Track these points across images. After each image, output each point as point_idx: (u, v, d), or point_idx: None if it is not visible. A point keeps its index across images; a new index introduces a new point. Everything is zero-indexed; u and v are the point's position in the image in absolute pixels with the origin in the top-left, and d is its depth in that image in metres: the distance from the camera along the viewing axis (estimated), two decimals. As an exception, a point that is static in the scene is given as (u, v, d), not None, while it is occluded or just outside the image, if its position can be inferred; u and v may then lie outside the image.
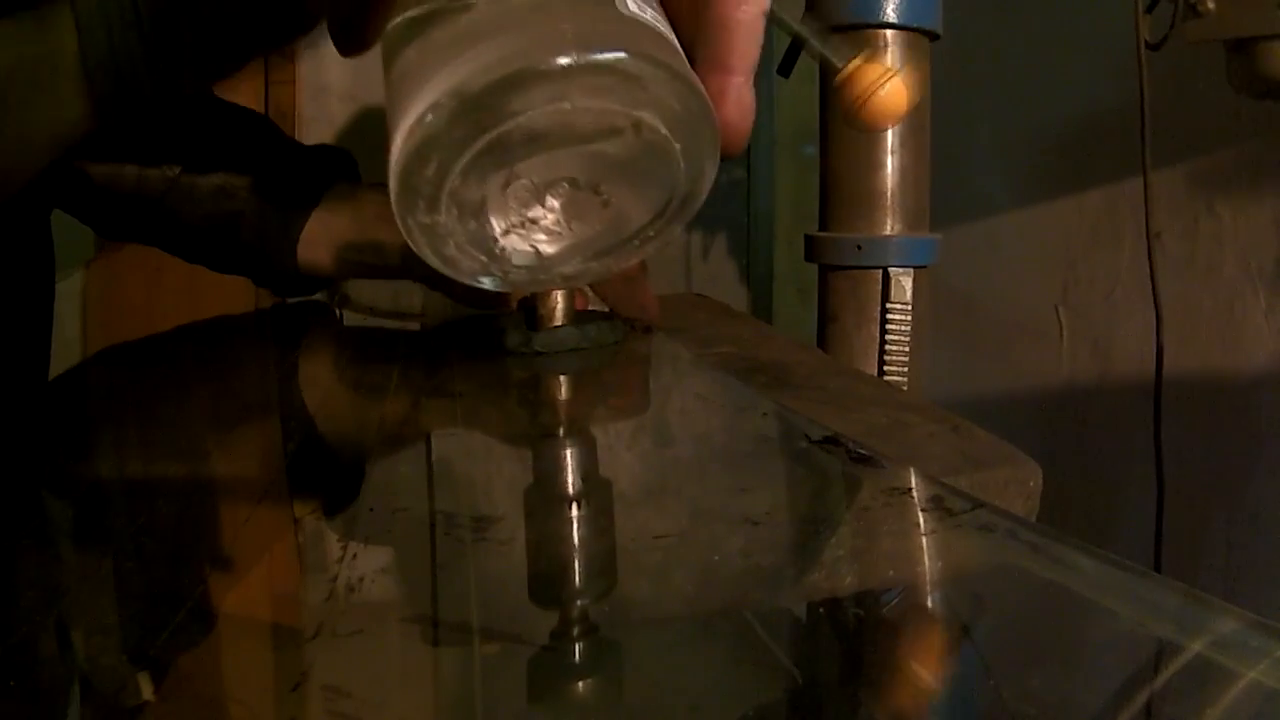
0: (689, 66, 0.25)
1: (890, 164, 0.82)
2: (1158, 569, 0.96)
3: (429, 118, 0.22)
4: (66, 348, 0.60)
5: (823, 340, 0.87)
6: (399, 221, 0.24)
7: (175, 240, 0.63)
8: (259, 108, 1.26)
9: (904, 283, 0.82)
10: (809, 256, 0.88)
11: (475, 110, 0.22)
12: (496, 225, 0.25)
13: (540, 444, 0.38)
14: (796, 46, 0.87)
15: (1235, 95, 0.77)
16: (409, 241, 0.24)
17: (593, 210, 0.25)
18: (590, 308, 0.56)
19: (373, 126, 1.41)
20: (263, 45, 0.39)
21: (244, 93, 1.31)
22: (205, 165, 0.60)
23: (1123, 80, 0.90)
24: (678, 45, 0.25)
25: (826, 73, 0.36)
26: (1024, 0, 1.23)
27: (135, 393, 0.52)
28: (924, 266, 0.84)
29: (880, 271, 0.82)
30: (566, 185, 0.25)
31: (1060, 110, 1.19)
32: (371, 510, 0.30)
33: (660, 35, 0.24)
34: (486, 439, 0.40)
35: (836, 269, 0.85)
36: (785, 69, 0.88)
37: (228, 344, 0.67)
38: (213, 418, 0.45)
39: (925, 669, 0.22)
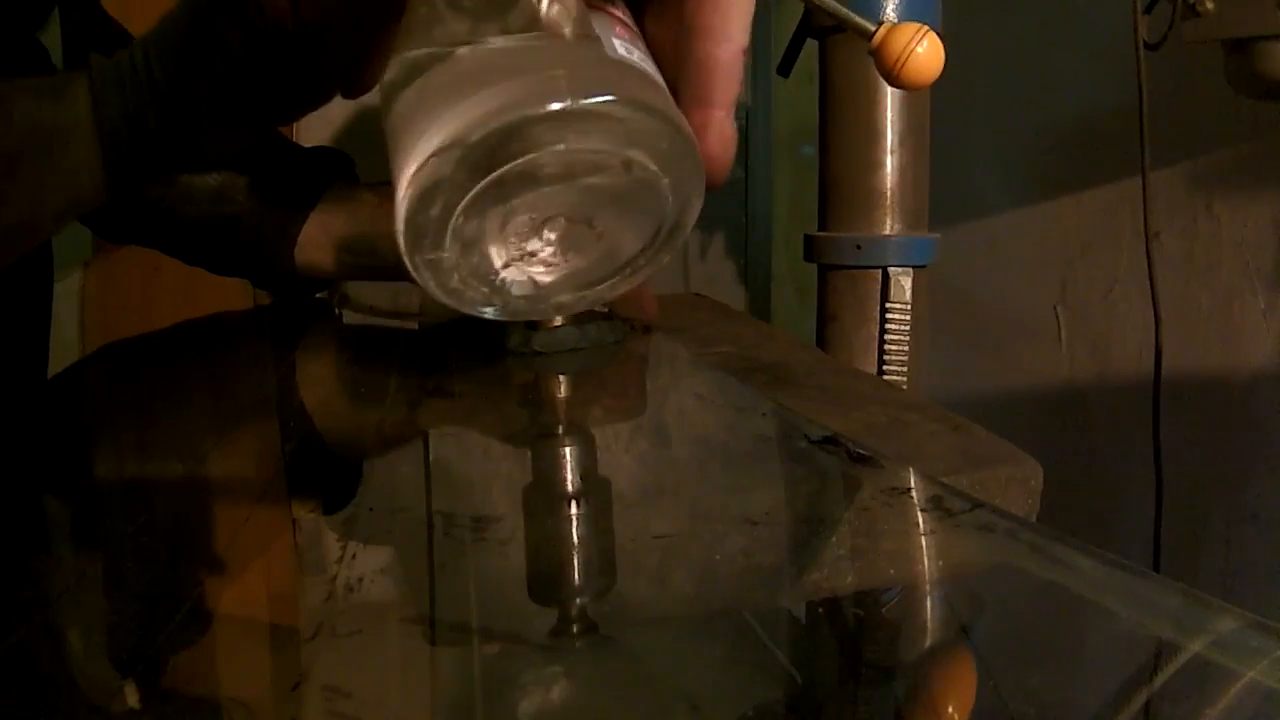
0: (674, 104, 0.26)
1: (889, 164, 0.82)
2: (1156, 569, 0.96)
3: (433, 163, 0.23)
4: (65, 347, 0.60)
5: (822, 340, 0.87)
6: (406, 260, 0.25)
7: (173, 242, 0.63)
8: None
9: (903, 282, 0.82)
10: (808, 256, 0.88)
11: (476, 155, 0.23)
12: (497, 259, 0.26)
13: (539, 444, 0.38)
14: (796, 47, 0.87)
15: (1234, 95, 0.77)
16: (415, 278, 0.26)
17: (587, 242, 0.27)
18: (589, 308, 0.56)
19: (370, 128, 1.41)
20: (276, 117, 0.40)
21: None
22: (203, 168, 0.60)
23: (1121, 80, 0.90)
24: (662, 83, 0.27)
25: (855, 41, 0.37)
26: (1024, 0, 1.23)
27: (134, 392, 0.52)
28: (923, 266, 0.84)
29: (879, 271, 0.82)
30: (562, 220, 0.26)
31: (1059, 110, 1.19)
32: (371, 510, 0.30)
33: (646, 76, 0.26)
34: (486, 439, 0.40)
35: (836, 268, 0.85)
36: (784, 69, 0.88)
37: (227, 343, 0.67)
38: (212, 417, 0.45)
39: (925, 669, 0.22)
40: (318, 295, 0.71)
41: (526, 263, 0.27)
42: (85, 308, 0.83)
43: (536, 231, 0.26)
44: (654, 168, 0.25)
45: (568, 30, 0.25)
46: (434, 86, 0.24)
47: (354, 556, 0.26)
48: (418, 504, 0.32)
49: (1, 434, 0.40)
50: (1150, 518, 0.94)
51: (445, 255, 0.25)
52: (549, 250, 0.27)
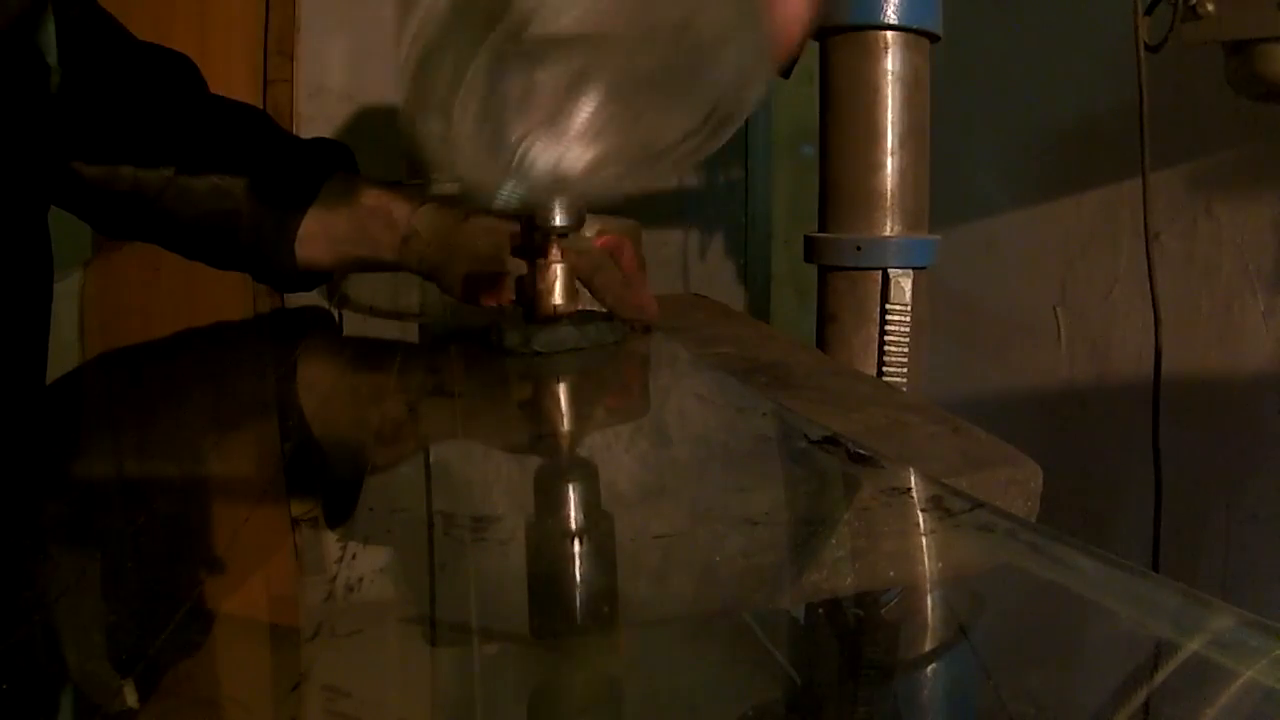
0: None
1: (890, 165, 0.82)
2: (1156, 569, 0.96)
3: (439, 7, 0.20)
4: (64, 348, 0.60)
5: (822, 341, 0.87)
6: (411, 123, 0.22)
7: (173, 237, 0.63)
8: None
9: (903, 283, 0.82)
10: (808, 257, 0.88)
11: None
12: (516, 129, 0.23)
13: (539, 444, 0.38)
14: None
15: (1234, 97, 0.77)
16: (420, 151, 0.22)
17: (623, 121, 0.23)
18: (589, 308, 0.56)
19: (371, 126, 1.41)
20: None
21: (242, 91, 1.31)
22: (202, 162, 0.60)
23: (1122, 82, 0.90)
24: None
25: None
26: (1024, 2, 1.23)
27: (134, 394, 0.52)
28: (923, 267, 0.84)
29: (879, 272, 0.82)
30: (594, 91, 0.23)
31: (1059, 112, 1.19)
32: (371, 510, 0.30)
33: None
34: (485, 439, 0.40)
35: (836, 269, 0.85)
36: (785, 70, 0.88)
37: (226, 347, 0.67)
38: (212, 419, 0.45)
39: (925, 669, 0.22)
40: (314, 293, 0.71)
41: (551, 138, 0.24)
42: (85, 308, 0.83)
43: (564, 102, 0.23)
44: (714, 34, 0.21)
45: None
46: None
47: (354, 556, 0.26)
48: (418, 504, 0.32)
49: (1, 434, 0.40)
50: (1150, 518, 0.94)
51: (455, 128, 0.22)
52: (577, 125, 0.23)
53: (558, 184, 0.25)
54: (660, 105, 0.24)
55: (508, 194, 0.25)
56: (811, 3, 0.26)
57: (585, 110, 0.23)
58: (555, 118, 0.23)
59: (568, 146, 0.24)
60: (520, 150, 0.24)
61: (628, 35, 0.21)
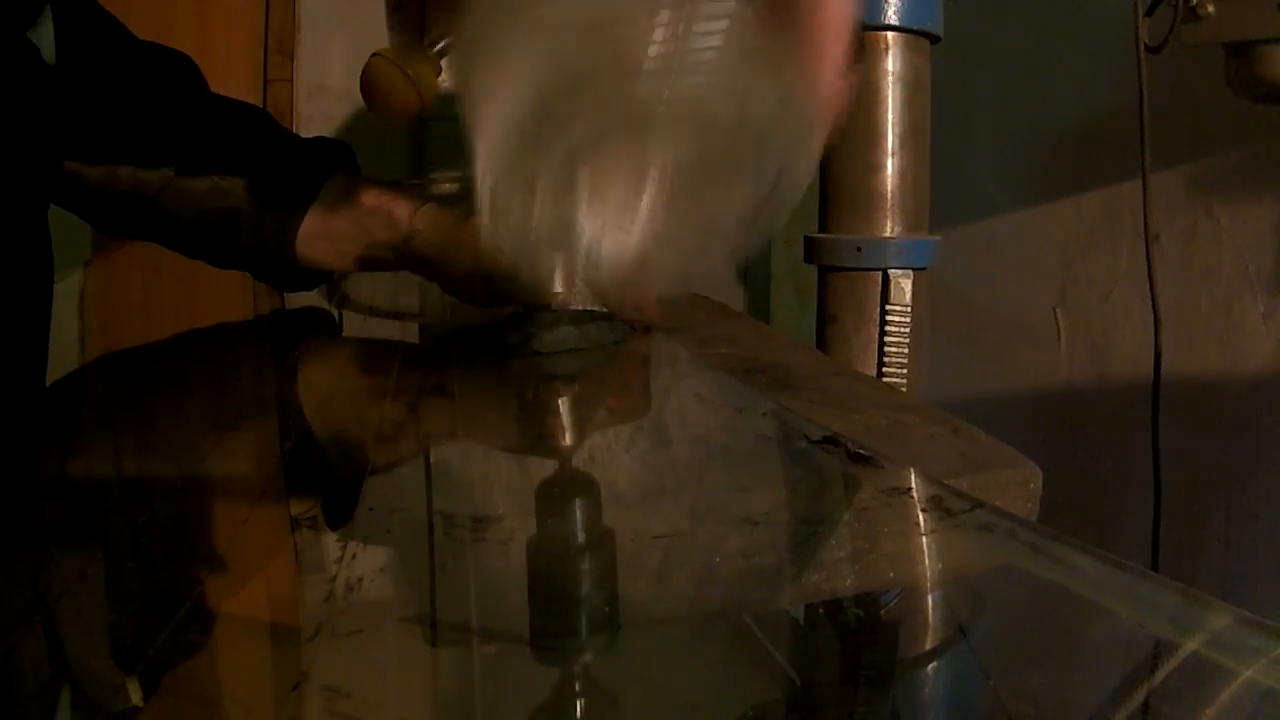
0: (781, 56, 0.24)
1: (890, 166, 0.82)
2: (1156, 569, 0.96)
3: (513, 105, 0.21)
4: (64, 348, 0.60)
5: (821, 341, 0.87)
6: (486, 221, 0.23)
7: (173, 237, 0.63)
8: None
9: (903, 284, 0.82)
10: (808, 258, 0.88)
11: (567, 95, 0.21)
12: (584, 211, 0.24)
13: (539, 444, 0.38)
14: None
15: (1234, 98, 0.77)
16: (494, 241, 0.23)
17: (686, 210, 0.25)
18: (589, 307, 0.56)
19: (371, 126, 1.41)
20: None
21: (242, 91, 1.31)
22: (202, 161, 0.60)
23: (1122, 83, 0.90)
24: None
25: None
26: (1024, 3, 1.23)
27: (134, 395, 0.52)
28: (923, 268, 0.84)
29: (879, 273, 0.82)
30: (658, 175, 0.24)
31: (1059, 113, 1.19)
32: (371, 510, 0.30)
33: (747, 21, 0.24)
34: (485, 439, 0.40)
35: (836, 270, 0.85)
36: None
37: (226, 348, 0.67)
38: (212, 419, 0.45)
39: (925, 669, 0.22)
40: (314, 293, 0.71)
41: (614, 218, 0.25)
42: (85, 308, 0.83)
43: (629, 196, 0.24)
44: (762, 122, 0.23)
45: None
46: (521, 19, 0.22)
47: (354, 556, 0.26)
48: (418, 504, 0.32)
49: (2, 434, 0.40)
50: (1149, 519, 0.94)
51: (531, 214, 0.23)
52: (644, 209, 0.24)
53: (629, 274, 0.26)
54: (720, 192, 0.25)
55: (582, 289, 0.25)
56: (850, 78, 0.27)
57: (649, 203, 0.24)
58: (622, 212, 0.24)
59: (635, 237, 0.25)
60: (590, 246, 0.25)
61: (685, 130, 0.23)
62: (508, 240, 0.24)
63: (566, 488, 0.33)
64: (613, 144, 0.22)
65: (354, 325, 0.71)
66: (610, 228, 0.25)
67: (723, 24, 0.23)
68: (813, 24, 0.26)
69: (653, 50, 0.21)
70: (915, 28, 0.80)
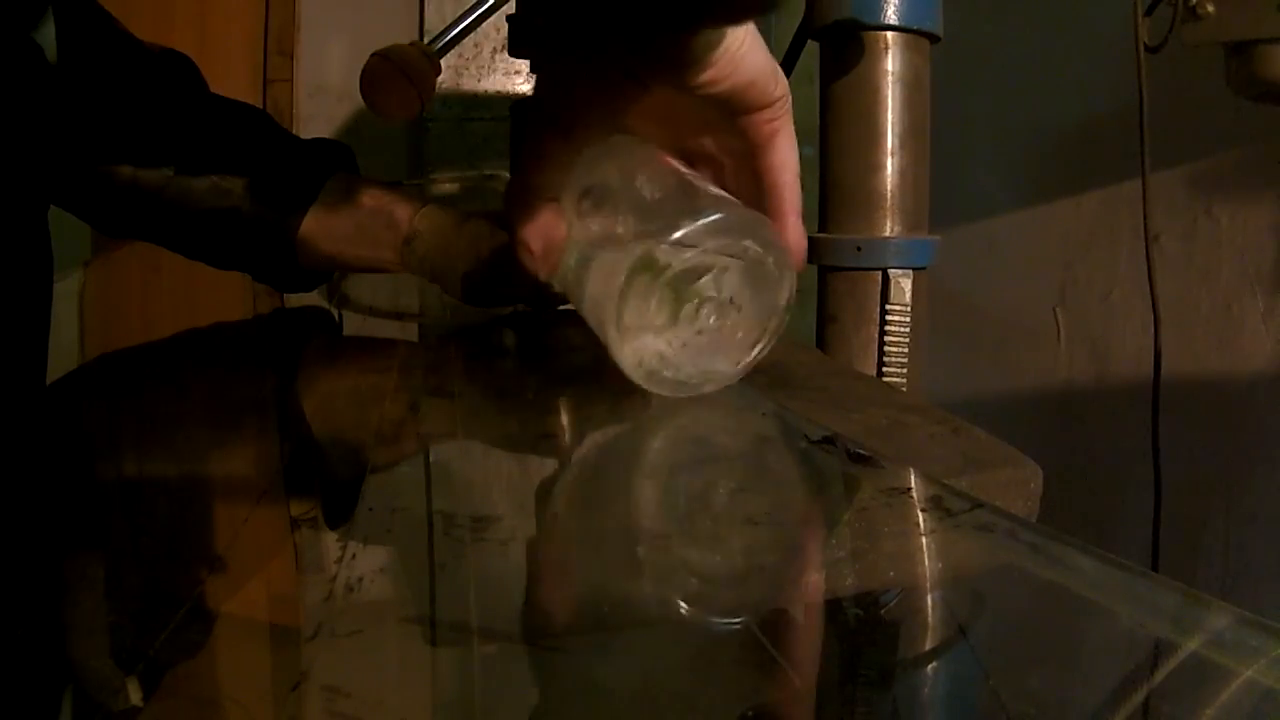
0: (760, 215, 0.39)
1: (890, 166, 0.82)
2: (1156, 569, 0.96)
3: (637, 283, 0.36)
4: (64, 348, 0.60)
5: (821, 341, 0.87)
6: (619, 346, 0.38)
7: (174, 237, 0.63)
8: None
9: (903, 284, 0.82)
10: (808, 258, 0.88)
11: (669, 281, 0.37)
12: (672, 343, 0.38)
13: (539, 444, 0.38)
14: (796, 48, 0.87)
15: (1234, 98, 0.77)
16: (619, 356, 0.38)
17: (729, 314, 0.39)
18: None
19: (371, 126, 1.41)
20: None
21: (242, 91, 1.31)
22: (202, 161, 0.60)
23: (1122, 82, 0.90)
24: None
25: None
26: (1024, 2, 1.23)
27: (133, 393, 0.52)
28: (923, 268, 0.84)
29: (879, 273, 0.82)
30: (713, 301, 0.38)
31: (1059, 112, 1.19)
32: (371, 510, 0.30)
33: (736, 203, 0.39)
34: (485, 439, 0.40)
35: (835, 270, 0.85)
36: (785, 70, 0.88)
37: (226, 348, 0.67)
38: (212, 419, 0.45)
39: (924, 669, 0.22)
40: (314, 293, 0.71)
41: (693, 342, 0.38)
42: (85, 308, 0.83)
43: (701, 317, 0.38)
44: (761, 250, 0.38)
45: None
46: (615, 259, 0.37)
47: (354, 556, 0.26)
48: (418, 504, 0.32)
49: (2, 435, 0.40)
50: (1149, 519, 0.94)
51: (649, 340, 0.38)
52: (707, 325, 0.38)
53: (696, 374, 0.39)
54: (748, 299, 0.39)
55: (662, 384, 0.39)
56: (804, 235, 0.41)
57: (710, 315, 0.38)
58: (696, 325, 0.38)
59: (703, 343, 0.39)
60: (675, 355, 0.38)
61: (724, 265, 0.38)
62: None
63: (565, 487, 0.33)
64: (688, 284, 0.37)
65: (354, 325, 0.71)
66: (685, 342, 0.38)
67: (714, 200, 0.38)
68: (774, 188, 0.40)
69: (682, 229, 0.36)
70: (915, 28, 0.80)
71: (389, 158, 1.44)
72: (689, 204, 0.37)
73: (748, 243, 0.37)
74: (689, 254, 0.36)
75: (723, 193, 0.39)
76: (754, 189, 0.41)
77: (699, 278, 0.37)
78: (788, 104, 0.41)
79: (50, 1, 0.49)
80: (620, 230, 0.37)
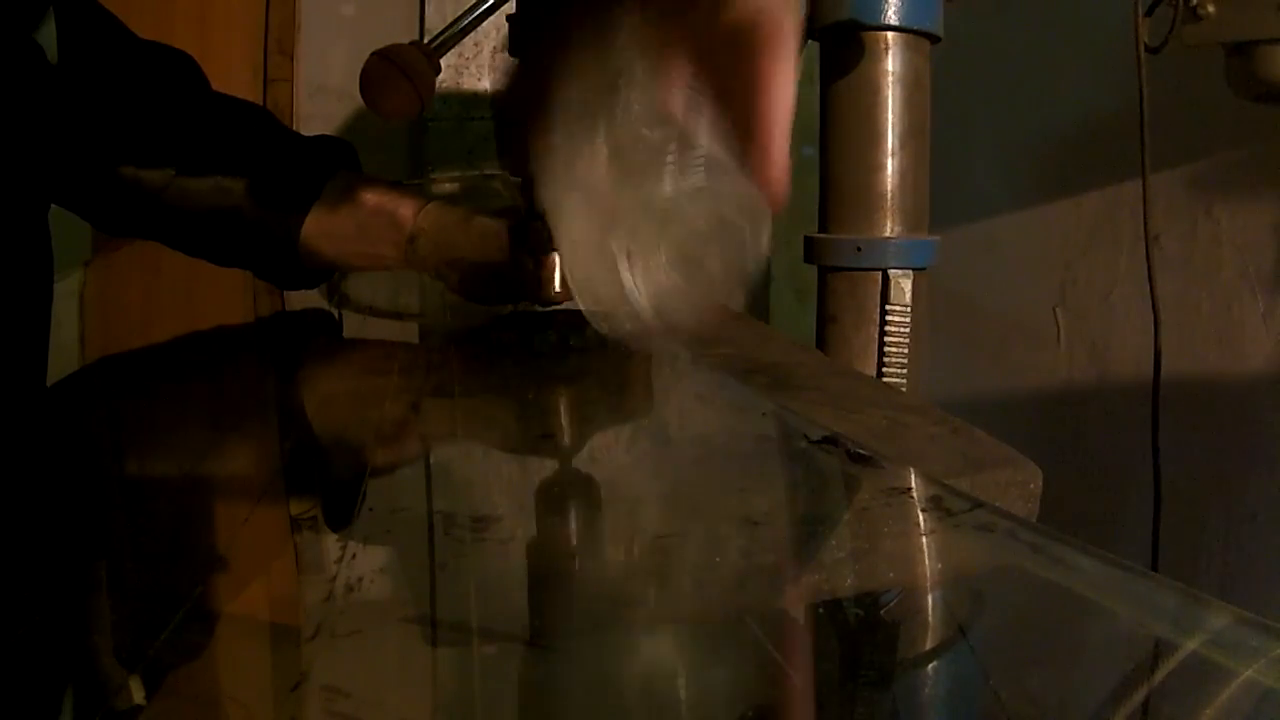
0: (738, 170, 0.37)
1: (890, 166, 0.82)
2: (1156, 569, 0.96)
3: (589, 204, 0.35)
4: (64, 348, 0.60)
5: (821, 341, 0.87)
6: (577, 283, 0.36)
7: (175, 235, 0.63)
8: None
9: (903, 284, 0.82)
10: (808, 258, 0.88)
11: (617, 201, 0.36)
12: (631, 278, 0.36)
13: (539, 444, 0.38)
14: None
15: (1234, 98, 0.77)
16: (579, 297, 0.36)
17: (695, 271, 0.37)
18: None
19: (371, 126, 1.41)
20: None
21: (242, 91, 1.31)
22: (204, 160, 0.60)
23: (1122, 83, 0.90)
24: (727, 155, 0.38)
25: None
26: (1024, 3, 1.23)
27: (133, 394, 0.52)
28: (923, 268, 0.84)
29: (879, 273, 0.82)
30: (674, 251, 0.37)
31: (1059, 113, 1.19)
32: (371, 510, 0.30)
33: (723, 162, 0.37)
34: (485, 439, 0.40)
35: (836, 270, 0.85)
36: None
37: (227, 350, 0.67)
38: (212, 420, 0.45)
39: (925, 669, 0.22)
40: (315, 293, 0.71)
41: (656, 285, 0.36)
42: (85, 308, 0.83)
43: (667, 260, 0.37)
44: (737, 219, 0.37)
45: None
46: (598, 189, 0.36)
47: (354, 556, 0.26)
48: (418, 504, 0.32)
49: (2, 435, 0.40)
50: (1149, 519, 0.94)
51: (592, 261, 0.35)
52: (670, 276, 0.36)
53: (655, 318, 0.37)
54: (710, 260, 0.37)
55: (621, 321, 0.37)
56: (786, 165, 0.39)
57: (667, 267, 0.37)
58: (650, 273, 0.36)
59: (666, 286, 0.37)
60: (631, 288, 0.36)
61: (686, 224, 0.37)
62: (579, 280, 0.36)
63: (566, 488, 0.33)
64: (644, 232, 0.36)
65: (354, 325, 0.71)
66: (642, 283, 0.36)
67: (702, 159, 0.37)
68: (761, 125, 0.37)
69: (667, 187, 0.36)
70: (915, 28, 0.80)
71: (389, 157, 1.44)
72: (680, 159, 0.37)
73: (726, 210, 0.37)
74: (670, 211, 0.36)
75: (715, 148, 0.39)
76: (746, 117, 0.39)
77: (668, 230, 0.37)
78: (794, 35, 0.38)
79: (51, 1, 0.49)
80: (607, 174, 0.37)
